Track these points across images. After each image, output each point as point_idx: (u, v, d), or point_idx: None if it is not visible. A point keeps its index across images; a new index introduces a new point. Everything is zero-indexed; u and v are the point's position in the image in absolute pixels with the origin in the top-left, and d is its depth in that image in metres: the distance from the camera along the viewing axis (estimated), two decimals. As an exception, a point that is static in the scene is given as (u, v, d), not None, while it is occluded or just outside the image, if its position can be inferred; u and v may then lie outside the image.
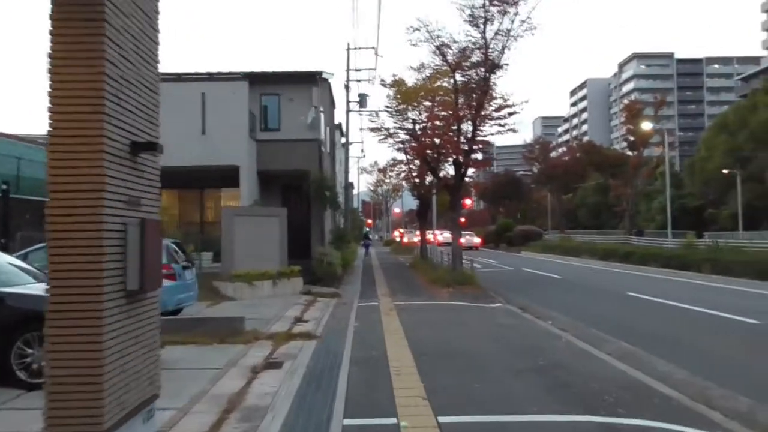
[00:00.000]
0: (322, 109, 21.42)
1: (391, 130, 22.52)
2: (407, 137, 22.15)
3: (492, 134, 18.58)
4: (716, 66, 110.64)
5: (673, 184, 43.11)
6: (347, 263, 24.66)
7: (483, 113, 17.89)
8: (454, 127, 18.60)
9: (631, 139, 46.14)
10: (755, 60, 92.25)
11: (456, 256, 18.78)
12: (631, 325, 11.07)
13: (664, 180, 48.65)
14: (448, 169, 21.57)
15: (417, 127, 21.90)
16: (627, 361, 7.81)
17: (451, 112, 18.43)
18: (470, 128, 18.21)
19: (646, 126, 42.41)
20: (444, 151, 19.14)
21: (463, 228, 27.19)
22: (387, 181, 65.05)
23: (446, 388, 6.23)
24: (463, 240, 23.65)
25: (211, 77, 18.77)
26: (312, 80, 20.07)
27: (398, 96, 23.01)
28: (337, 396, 5.98)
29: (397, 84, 22.91)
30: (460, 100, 18.59)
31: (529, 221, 64.18)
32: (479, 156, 20.78)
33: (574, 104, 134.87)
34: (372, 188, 73.88)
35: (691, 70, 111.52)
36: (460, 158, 18.30)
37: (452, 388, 6.22)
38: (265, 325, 10.40)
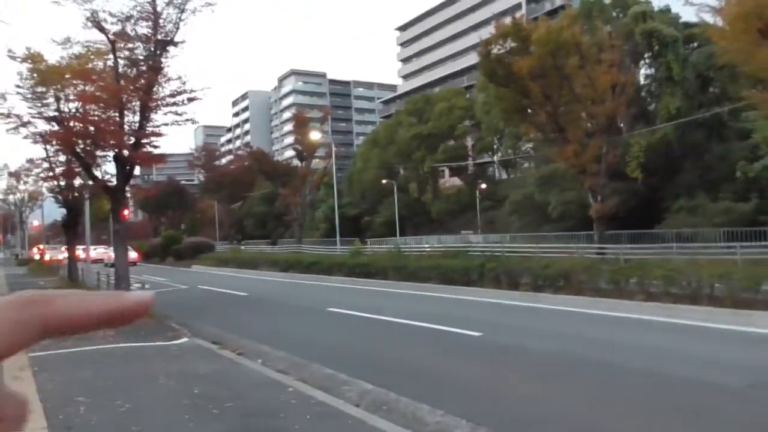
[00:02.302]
0: None
1: (26, 118, 16.95)
2: (50, 126, 16.92)
3: (167, 124, 15.05)
4: (361, 89, 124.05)
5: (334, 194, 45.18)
6: (-45, 296, 17.84)
7: (155, 98, 14.33)
8: (116, 114, 14.55)
9: (300, 148, 46.73)
10: (392, 87, 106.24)
11: (121, 278, 14.71)
12: (357, 353, 9.31)
13: (328, 190, 50.84)
14: (108, 168, 17.14)
15: (63, 110, 16.87)
16: (389, 417, 5.82)
17: (110, 95, 14.30)
18: (137, 116, 14.45)
19: (315, 136, 43.46)
20: (102, 143, 14.83)
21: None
22: (22, 187, 54.18)
23: None
24: (113, 254, 19.19)
25: None
26: None
27: (35, 75, 17.54)
28: None
29: (33, 59, 17.41)
30: (124, 81, 14.68)
31: (196, 232, 60.48)
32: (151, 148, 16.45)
33: (236, 114, 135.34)
34: (2, 197, 60.86)
35: (341, 91, 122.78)
36: (125, 152, 14.37)
37: None
38: None
